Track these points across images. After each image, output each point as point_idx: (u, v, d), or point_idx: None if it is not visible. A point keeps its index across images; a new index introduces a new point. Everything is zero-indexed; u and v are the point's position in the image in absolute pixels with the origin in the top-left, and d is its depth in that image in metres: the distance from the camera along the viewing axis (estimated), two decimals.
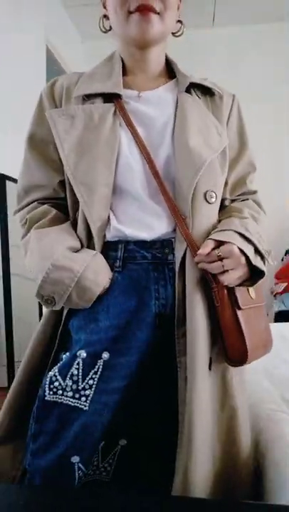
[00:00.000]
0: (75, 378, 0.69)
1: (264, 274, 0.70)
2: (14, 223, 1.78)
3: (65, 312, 0.76)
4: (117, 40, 0.85)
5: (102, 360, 0.69)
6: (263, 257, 0.72)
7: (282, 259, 2.60)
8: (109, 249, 0.73)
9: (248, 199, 0.87)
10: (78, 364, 0.69)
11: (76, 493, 0.42)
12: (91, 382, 0.69)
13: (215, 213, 0.77)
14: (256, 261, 0.69)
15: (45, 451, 0.67)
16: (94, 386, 0.69)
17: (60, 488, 0.43)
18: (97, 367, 0.69)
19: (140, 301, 0.71)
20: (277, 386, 0.95)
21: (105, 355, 0.69)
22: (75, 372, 0.69)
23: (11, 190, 1.70)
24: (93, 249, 0.73)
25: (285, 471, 0.67)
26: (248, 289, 0.72)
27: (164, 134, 0.75)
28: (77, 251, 0.72)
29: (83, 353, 0.69)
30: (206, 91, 0.86)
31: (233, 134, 0.87)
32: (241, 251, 0.66)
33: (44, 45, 2.23)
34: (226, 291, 0.68)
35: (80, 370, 0.69)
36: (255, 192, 0.88)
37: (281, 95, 2.70)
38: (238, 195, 0.86)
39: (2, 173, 1.65)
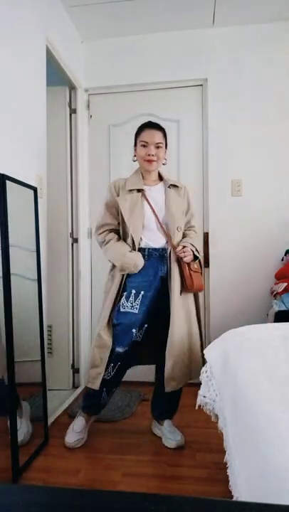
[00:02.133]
0: (131, 300, 1.80)
1: (198, 258, 1.89)
2: (14, 223, 1.78)
3: (124, 276, 1.84)
4: (140, 165, 1.95)
5: (142, 293, 1.81)
6: (197, 251, 1.90)
7: (282, 259, 2.60)
8: (141, 250, 1.84)
9: (191, 229, 2.02)
10: (132, 295, 1.81)
11: (76, 493, 0.42)
12: (138, 302, 1.80)
13: (181, 235, 1.91)
14: (196, 253, 1.88)
15: (121, 331, 1.80)
16: (139, 303, 1.80)
17: (60, 488, 0.43)
18: (140, 296, 1.80)
19: (155, 272, 1.83)
20: (277, 386, 0.95)
21: (142, 292, 1.81)
22: (131, 299, 1.80)
23: (11, 190, 1.70)
24: (135, 250, 1.83)
25: (286, 471, 0.67)
26: (194, 264, 1.86)
27: (162, 205, 1.88)
28: (131, 251, 1.81)
29: (133, 291, 1.81)
30: (176, 186, 1.95)
31: (186, 203, 1.99)
32: (191, 249, 1.85)
33: (44, 45, 2.23)
34: (185, 263, 1.83)
35: (133, 297, 1.80)
36: (194, 226, 2.06)
37: (282, 95, 2.70)
38: (188, 228, 2.01)
39: (2, 173, 1.65)
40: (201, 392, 1.46)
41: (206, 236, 2.79)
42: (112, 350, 1.79)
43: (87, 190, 2.92)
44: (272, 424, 0.81)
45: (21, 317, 1.77)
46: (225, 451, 1.11)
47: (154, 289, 1.83)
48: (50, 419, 2.16)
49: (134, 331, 1.80)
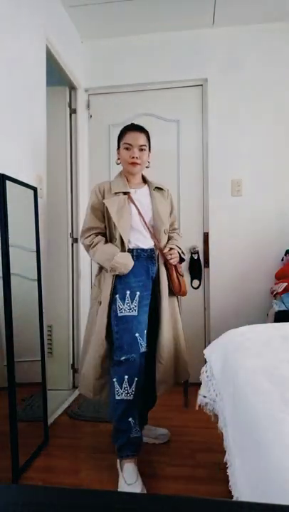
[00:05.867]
0: (128, 302, 1.70)
1: (184, 260, 1.91)
2: (14, 223, 1.78)
3: (115, 278, 1.74)
4: (123, 168, 1.90)
5: (138, 293, 1.71)
6: (183, 254, 1.90)
7: (282, 259, 2.60)
8: (130, 251, 1.77)
9: (174, 231, 2.00)
10: (128, 297, 1.71)
11: (76, 493, 0.42)
12: (135, 303, 1.70)
13: (166, 237, 1.87)
14: (182, 255, 1.89)
15: (124, 335, 1.66)
16: (137, 305, 1.70)
17: (60, 488, 0.43)
18: (136, 297, 1.71)
19: (146, 272, 1.78)
20: (277, 386, 0.95)
21: (138, 292, 1.72)
22: (128, 301, 1.70)
23: (11, 190, 1.70)
24: (124, 251, 1.75)
25: (286, 472, 0.67)
26: (181, 268, 1.90)
27: (148, 207, 1.84)
28: (120, 252, 1.74)
29: (128, 291, 1.71)
30: (160, 189, 1.93)
31: (170, 206, 1.96)
32: (178, 251, 1.85)
33: (44, 45, 2.23)
34: (173, 266, 1.83)
35: (129, 299, 1.70)
36: (177, 228, 2.04)
37: (281, 95, 2.70)
38: (171, 230, 1.98)
39: (2, 173, 1.65)
40: (201, 392, 1.46)
41: (206, 236, 2.79)
42: (120, 361, 1.64)
43: (87, 190, 2.92)
44: (272, 424, 0.80)
45: (21, 317, 1.77)
46: (225, 451, 1.11)
47: (149, 289, 1.77)
48: (50, 420, 2.16)
49: (137, 335, 1.66)
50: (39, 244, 1.98)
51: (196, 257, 2.78)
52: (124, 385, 1.62)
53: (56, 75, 2.58)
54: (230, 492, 0.97)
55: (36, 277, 1.95)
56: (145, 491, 1.52)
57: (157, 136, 2.83)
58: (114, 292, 1.72)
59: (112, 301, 1.72)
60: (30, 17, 2.04)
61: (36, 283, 1.95)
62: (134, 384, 1.62)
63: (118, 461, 1.64)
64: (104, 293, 1.74)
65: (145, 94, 2.87)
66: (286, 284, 2.32)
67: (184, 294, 1.87)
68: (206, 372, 1.47)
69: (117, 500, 0.40)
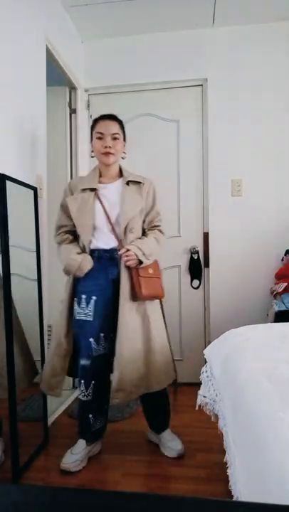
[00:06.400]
0: (83, 306, 1.69)
1: (142, 262, 1.68)
2: (14, 223, 1.78)
3: (74, 281, 1.74)
4: (98, 161, 1.81)
5: (93, 298, 1.68)
6: (144, 256, 1.69)
7: (282, 259, 2.60)
8: (92, 252, 1.72)
9: (154, 229, 1.83)
10: (83, 300, 1.69)
11: (76, 493, 0.42)
12: (90, 308, 1.68)
13: (135, 236, 1.74)
14: (142, 257, 1.68)
15: (81, 339, 1.69)
16: (92, 309, 1.67)
17: (60, 488, 0.43)
18: (92, 301, 1.68)
19: (105, 274, 1.71)
20: (277, 386, 0.95)
21: (94, 297, 1.69)
22: (83, 305, 1.69)
23: (11, 190, 1.70)
24: (86, 252, 1.72)
25: (285, 472, 0.67)
26: (148, 269, 1.73)
27: (115, 204, 1.73)
28: (80, 253, 1.72)
29: (84, 296, 1.70)
30: (137, 182, 1.79)
31: (150, 200, 1.81)
32: (135, 253, 1.67)
33: (44, 45, 2.23)
34: (133, 268, 1.69)
35: (85, 303, 1.69)
36: (159, 225, 1.85)
37: (282, 95, 2.70)
38: (151, 227, 1.83)
39: (2, 173, 1.65)
40: (201, 392, 1.46)
41: (206, 236, 2.79)
42: (79, 364, 1.70)
43: None
44: (272, 425, 0.80)
45: (21, 317, 1.77)
46: (225, 451, 1.11)
47: (107, 294, 1.69)
48: (50, 420, 2.16)
49: (91, 340, 1.66)
50: (39, 244, 1.97)
51: (196, 257, 2.78)
52: (81, 388, 1.72)
53: (56, 75, 2.58)
54: (231, 492, 0.97)
55: (36, 277, 1.95)
56: (82, 465, 1.70)
57: (157, 136, 2.84)
58: (73, 295, 1.74)
59: (71, 304, 1.75)
60: (30, 17, 2.04)
61: (36, 283, 1.95)
62: (91, 387, 1.70)
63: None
64: (65, 294, 1.76)
65: (145, 94, 2.87)
66: (286, 284, 2.32)
67: (154, 296, 1.72)
68: (206, 372, 1.47)
69: (117, 500, 0.40)
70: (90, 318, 1.67)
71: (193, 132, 2.84)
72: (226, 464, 1.08)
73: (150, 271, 1.73)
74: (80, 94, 2.85)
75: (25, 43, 2.01)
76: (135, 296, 1.68)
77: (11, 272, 1.64)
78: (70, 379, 2.74)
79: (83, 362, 1.69)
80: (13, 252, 1.66)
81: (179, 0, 2.46)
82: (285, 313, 2.18)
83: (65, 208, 1.80)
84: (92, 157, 1.79)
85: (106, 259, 1.71)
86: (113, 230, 1.70)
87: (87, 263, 1.68)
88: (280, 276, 2.47)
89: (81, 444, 1.75)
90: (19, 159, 1.95)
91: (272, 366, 1.09)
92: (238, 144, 2.73)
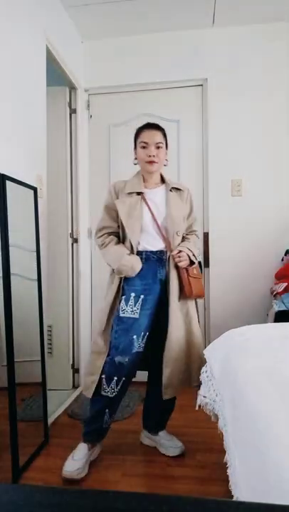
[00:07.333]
0: (131, 304, 1.71)
1: (194, 263, 1.80)
2: (14, 223, 1.78)
3: (122, 279, 1.76)
4: (141, 168, 1.87)
5: (141, 297, 1.72)
6: (194, 256, 1.79)
7: (282, 259, 2.60)
8: (139, 254, 1.77)
9: (192, 233, 1.95)
10: (132, 299, 1.72)
11: (76, 493, 0.42)
12: (138, 306, 1.71)
13: (180, 240, 1.83)
14: (192, 258, 1.78)
15: (120, 337, 1.69)
16: (139, 308, 1.71)
17: (60, 488, 0.43)
18: (140, 300, 1.72)
19: (154, 275, 1.77)
20: (277, 386, 0.95)
21: (142, 296, 1.72)
22: (131, 303, 1.71)
23: (11, 190, 1.70)
24: (133, 253, 1.76)
25: (285, 471, 0.67)
26: (194, 270, 1.81)
27: (161, 208, 1.80)
28: (129, 254, 1.75)
29: (133, 294, 1.72)
30: (178, 189, 1.88)
31: (188, 207, 1.92)
32: (187, 254, 1.77)
33: (44, 45, 2.23)
34: (183, 269, 1.77)
35: (133, 301, 1.71)
36: (196, 230, 1.99)
37: (282, 95, 2.70)
38: (189, 232, 1.94)
39: (2, 173, 1.65)
40: (201, 392, 1.46)
41: (206, 236, 2.79)
42: (113, 361, 1.68)
43: (87, 190, 2.92)
44: (272, 425, 0.80)
45: (21, 317, 1.77)
46: (225, 451, 1.11)
47: (154, 293, 1.75)
48: (50, 419, 2.16)
49: (134, 337, 1.68)
50: (39, 244, 1.98)
51: None
52: (111, 385, 1.67)
53: (56, 75, 2.58)
54: (231, 492, 0.97)
55: (36, 277, 1.95)
56: (85, 472, 1.67)
57: None
58: (120, 293, 1.76)
59: (115, 302, 1.76)
60: (30, 17, 2.04)
61: (36, 283, 1.95)
62: (121, 384, 1.68)
63: (82, 438, 1.77)
64: (110, 293, 1.78)
65: (145, 94, 2.87)
66: (286, 284, 2.32)
67: (199, 295, 1.81)
68: (206, 372, 1.47)
69: (117, 501, 0.40)
70: (136, 316, 1.69)
71: (193, 132, 2.84)
72: (225, 464, 1.08)
73: (195, 271, 1.82)
74: (80, 94, 2.85)
75: (25, 43, 2.01)
76: (184, 295, 1.76)
77: (11, 272, 1.64)
78: (70, 380, 2.75)
79: (119, 359, 1.67)
80: (13, 252, 1.66)
81: (179, 0, 2.46)
82: (285, 313, 2.18)
83: (110, 210, 1.83)
84: (135, 164, 1.87)
85: (153, 261, 1.77)
86: (160, 232, 1.77)
87: (138, 264, 1.73)
88: (280, 277, 2.47)
89: (83, 448, 1.73)
90: (19, 159, 1.95)
91: (272, 366, 1.09)
92: (238, 144, 2.73)
